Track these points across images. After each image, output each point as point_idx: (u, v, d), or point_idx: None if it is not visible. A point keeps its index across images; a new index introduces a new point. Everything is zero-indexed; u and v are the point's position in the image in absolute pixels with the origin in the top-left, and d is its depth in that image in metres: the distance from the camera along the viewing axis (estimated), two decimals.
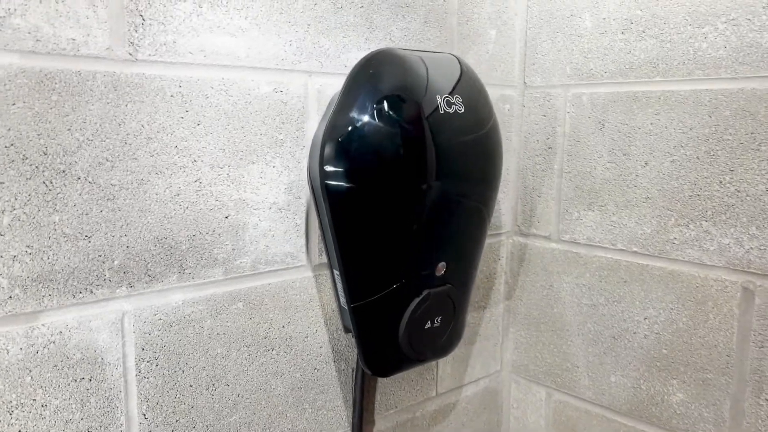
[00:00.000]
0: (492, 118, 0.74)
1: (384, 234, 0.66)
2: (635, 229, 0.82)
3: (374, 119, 0.64)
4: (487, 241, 0.93)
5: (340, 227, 0.65)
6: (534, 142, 0.93)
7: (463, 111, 0.68)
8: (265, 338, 0.70)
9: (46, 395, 0.56)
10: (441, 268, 0.71)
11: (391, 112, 0.64)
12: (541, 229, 0.93)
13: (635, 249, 0.83)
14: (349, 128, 0.64)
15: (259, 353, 0.70)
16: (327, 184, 0.64)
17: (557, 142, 0.90)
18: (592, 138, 0.85)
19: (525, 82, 0.93)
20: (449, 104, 0.67)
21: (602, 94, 0.84)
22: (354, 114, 0.64)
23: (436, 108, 0.66)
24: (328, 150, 0.64)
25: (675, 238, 0.79)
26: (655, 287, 0.81)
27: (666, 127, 0.78)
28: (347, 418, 0.80)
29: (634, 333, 0.84)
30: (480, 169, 0.73)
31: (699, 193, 0.76)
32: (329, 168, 0.63)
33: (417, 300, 0.70)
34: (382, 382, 0.83)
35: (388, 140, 0.64)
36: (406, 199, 0.66)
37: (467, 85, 0.72)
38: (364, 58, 0.66)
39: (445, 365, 0.91)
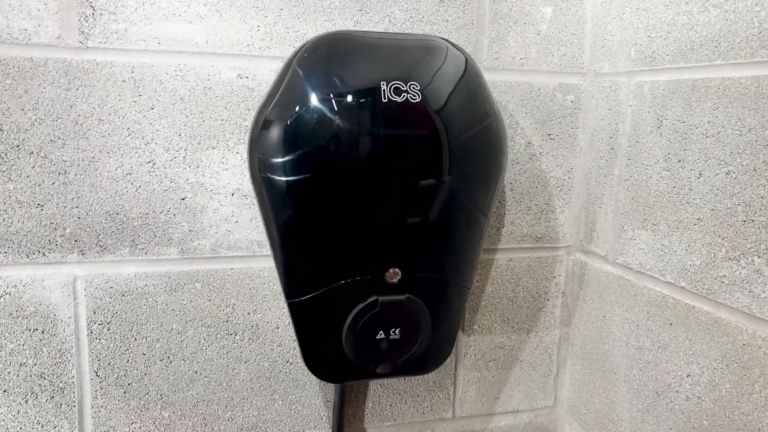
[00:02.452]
0: (485, 111, 0.64)
1: (323, 229, 0.62)
2: (684, 258, 0.63)
3: (319, 107, 0.60)
4: (539, 255, 0.80)
5: (276, 218, 0.62)
6: (599, 141, 0.77)
7: (420, 100, 0.60)
8: (227, 322, 0.71)
9: (2, 338, 0.65)
10: (393, 275, 0.64)
11: (340, 100, 0.59)
12: (600, 247, 0.77)
13: (683, 284, 0.63)
14: (293, 114, 0.61)
15: (219, 335, 0.71)
16: (262, 170, 0.62)
17: (619, 143, 0.73)
18: (650, 138, 0.68)
19: (595, 69, 0.77)
20: (412, 92, 0.59)
21: (662, 84, 0.66)
22: (293, 101, 0.60)
23: (391, 97, 0.59)
24: (263, 136, 0.61)
25: (724, 276, 0.58)
26: (701, 337, 0.61)
27: (723, 127, 0.58)
28: (327, 419, 0.76)
29: (677, 392, 0.65)
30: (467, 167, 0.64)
31: (753, 218, 0.55)
32: (264, 153, 0.61)
33: (361, 306, 0.64)
34: (373, 389, 0.78)
35: (332, 128, 0.60)
36: (347, 190, 0.61)
37: (449, 73, 0.63)
38: (309, 40, 0.62)
39: (467, 386, 0.81)
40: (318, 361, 0.66)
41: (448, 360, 0.79)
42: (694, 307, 0.62)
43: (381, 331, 0.65)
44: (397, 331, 0.66)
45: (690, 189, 0.62)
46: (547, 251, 0.81)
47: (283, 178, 0.60)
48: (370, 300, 0.64)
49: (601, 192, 0.76)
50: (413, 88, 0.60)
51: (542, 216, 0.80)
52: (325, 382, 0.75)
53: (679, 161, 0.63)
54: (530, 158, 0.78)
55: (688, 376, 0.63)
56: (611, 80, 0.74)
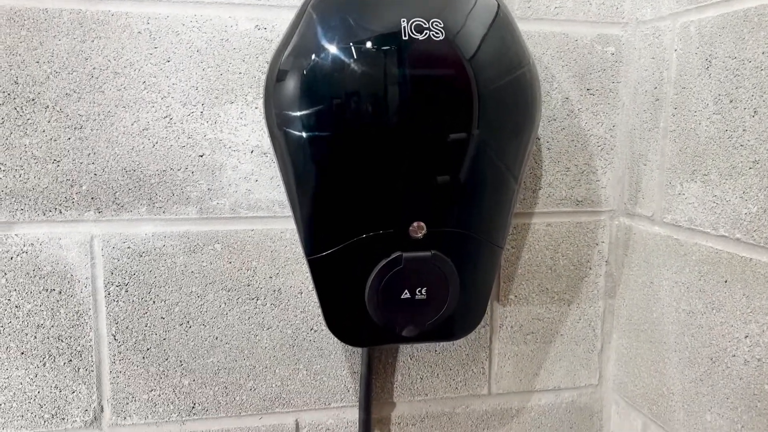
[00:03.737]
0: (518, 61, 0.60)
1: (343, 181, 0.58)
2: (739, 207, 0.57)
3: (336, 53, 0.56)
4: (579, 219, 0.75)
5: (295, 170, 0.59)
6: (642, 94, 0.71)
7: (444, 38, 0.56)
8: (248, 286, 0.68)
9: (19, 298, 0.64)
10: (418, 229, 0.60)
11: (358, 43, 0.56)
12: (645, 208, 0.71)
13: (738, 235, 0.57)
14: (309, 62, 0.58)
15: (240, 300, 0.68)
16: (279, 124, 0.59)
17: (664, 92, 0.67)
18: (698, 82, 0.62)
19: (636, 17, 0.72)
20: (435, 30, 0.56)
21: (710, 20, 0.60)
22: (308, 48, 0.58)
23: (412, 34, 0.55)
24: (279, 88, 0.59)
25: None
26: (759, 292, 0.55)
27: None
28: (354, 391, 0.73)
29: (733, 356, 0.58)
30: (498, 118, 0.60)
31: None
32: (281, 107, 0.58)
33: (384, 262, 0.60)
34: (402, 361, 0.73)
35: (351, 76, 0.56)
36: (368, 142, 0.57)
37: (479, 17, 0.59)
38: None
39: (503, 360, 0.76)
40: (340, 323, 0.63)
41: (483, 332, 0.74)
42: (751, 259, 0.56)
43: (406, 291, 0.61)
44: (423, 291, 0.62)
45: (744, 130, 0.56)
46: (589, 215, 0.76)
47: (301, 132, 0.57)
48: (393, 256, 0.60)
49: (646, 148, 0.70)
50: (436, 25, 0.56)
51: (582, 177, 0.75)
52: (351, 352, 0.71)
53: (731, 101, 0.58)
54: (568, 115, 0.73)
55: (746, 337, 0.57)
56: (654, 26, 0.69)
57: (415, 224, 0.60)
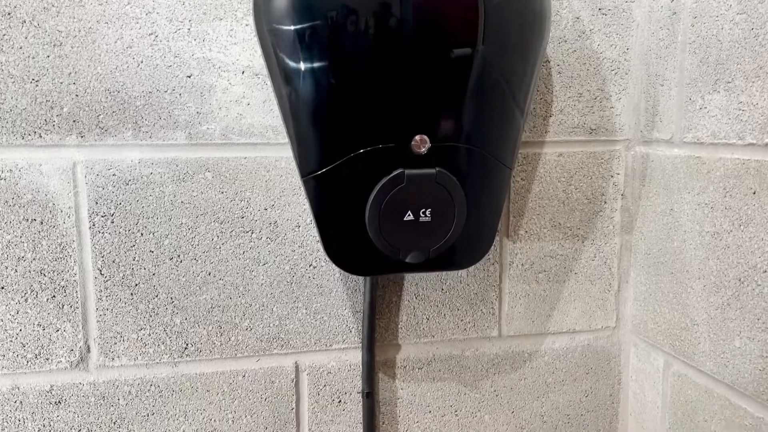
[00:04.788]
0: None
1: (339, 91, 0.54)
2: None
3: None
4: (593, 149, 0.71)
5: (286, 79, 0.55)
6: (658, 10, 0.67)
7: None
8: (242, 218, 0.64)
9: None
10: (421, 144, 0.55)
11: None
12: (663, 131, 0.66)
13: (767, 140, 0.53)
14: None
15: (234, 233, 0.64)
16: (270, 31, 0.55)
17: (681, 3, 0.63)
18: None
19: None
20: None
21: None
22: None
23: None
24: None
25: None
26: None
27: None
28: (357, 332, 0.68)
29: (764, 272, 0.54)
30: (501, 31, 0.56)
31: None
32: (274, 16, 0.54)
33: (385, 180, 0.56)
34: (407, 300, 0.69)
35: None
36: (366, 54, 0.53)
37: None
38: None
39: (514, 300, 0.72)
40: (340, 249, 0.59)
41: (492, 269, 0.70)
42: None
43: (409, 212, 0.57)
44: (427, 212, 0.57)
45: None
46: (603, 145, 0.71)
47: (295, 42, 0.53)
48: (395, 173, 0.56)
49: (663, 67, 0.66)
50: None
51: (595, 104, 0.70)
52: (352, 290, 0.67)
53: None
54: (579, 36, 0.69)
55: None
56: None
57: (417, 138, 0.55)
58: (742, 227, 0.56)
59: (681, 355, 0.65)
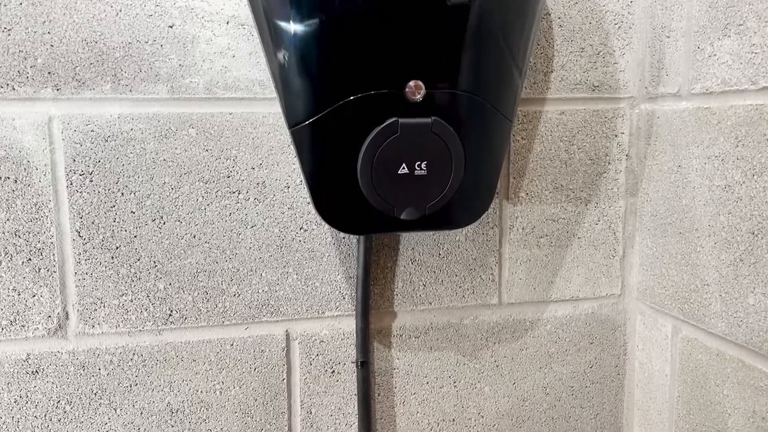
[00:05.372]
0: None
1: (328, 34, 0.51)
2: None
3: None
4: (596, 107, 0.68)
5: (273, 16, 0.52)
6: None
7: None
8: (228, 177, 0.61)
9: None
10: (416, 90, 0.52)
11: None
12: (670, 85, 0.63)
13: None
14: None
15: (220, 193, 0.61)
16: None
17: None
18: None
19: None
20: None
21: None
22: None
23: None
24: None
25: None
26: None
27: None
28: (350, 299, 0.65)
29: None
30: None
31: None
32: None
33: (378, 129, 0.53)
34: (403, 265, 0.66)
35: None
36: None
37: None
38: None
39: (515, 266, 0.69)
40: (331, 205, 0.56)
41: (492, 233, 0.67)
42: None
43: (403, 164, 0.54)
44: (423, 165, 0.54)
45: None
46: (606, 103, 0.68)
47: None
48: (388, 122, 0.53)
49: (669, 17, 0.63)
50: None
51: (598, 59, 0.67)
52: (345, 255, 0.64)
53: None
54: None
55: None
56: None
57: (411, 83, 0.52)
58: (755, 177, 0.53)
59: (691, 318, 0.62)
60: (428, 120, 0.53)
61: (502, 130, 0.57)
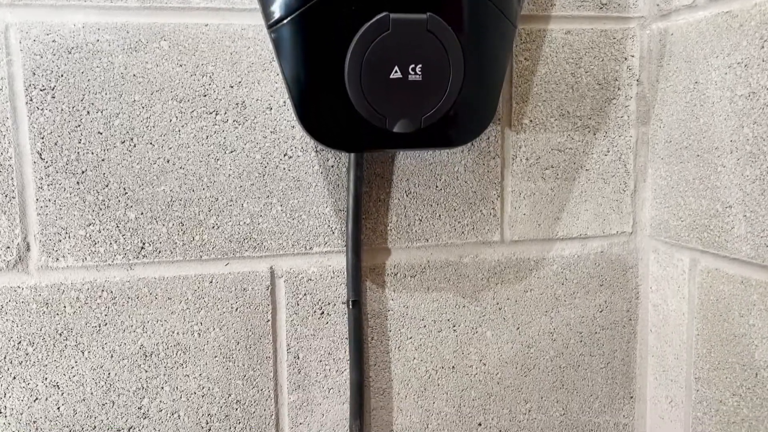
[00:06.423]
0: None
1: None
2: None
3: None
4: (604, 26, 0.63)
5: None
6: None
7: None
8: (204, 96, 0.56)
9: None
10: None
11: None
12: None
13: None
14: None
15: (196, 113, 0.56)
16: None
17: None
18: None
19: None
20: None
21: None
22: None
23: None
24: None
25: None
26: None
27: None
28: (340, 233, 0.60)
29: None
30: None
31: None
32: None
33: (366, 26, 0.48)
34: (397, 198, 0.61)
35: None
36: None
37: None
38: None
39: (518, 200, 0.63)
40: (316, 116, 0.50)
41: (493, 163, 0.62)
42: None
43: (396, 67, 0.49)
44: (417, 69, 0.49)
45: None
46: (615, 22, 0.63)
47: None
48: (378, 17, 0.48)
49: None
50: None
51: None
52: (334, 185, 0.59)
53: None
54: None
55: None
56: None
57: None
58: None
59: (711, 247, 0.57)
60: (423, 16, 0.48)
61: (506, 34, 0.52)
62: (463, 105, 0.52)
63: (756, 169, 0.51)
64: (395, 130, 0.50)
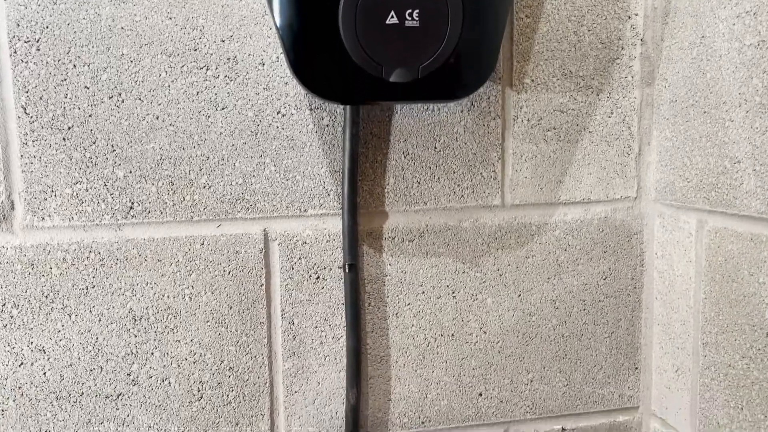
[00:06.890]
0: None
1: None
2: None
3: None
4: None
5: None
6: None
7: None
8: (195, 50, 0.54)
9: None
10: None
11: None
12: None
13: None
14: None
15: (186, 68, 0.54)
16: None
17: None
18: None
19: None
20: None
21: None
22: None
23: None
24: None
25: None
26: None
27: None
28: (336, 195, 0.58)
29: None
30: None
31: None
32: None
33: None
34: (394, 159, 0.59)
35: None
36: None
37: None
38: None
39: (519, 162, 0.62)
40: (309, 65, 0.49)
41: (493, 124, 0.60)
42: None
43: (392, 12, 0.47)
44: (414, 14, 0.47)
45: None
46: None
47: None
48: None
49: None
50: None
51: None
52: (330, 145, 0.57)
53: None
54: None
55: None
56: None
57: None
58: None
59: (719, 205, 0.55)
60: None
61: None
62: (463, 54, 0.50)
63: (766, 120, 0.49)
64: (392, 79, 0.49)
